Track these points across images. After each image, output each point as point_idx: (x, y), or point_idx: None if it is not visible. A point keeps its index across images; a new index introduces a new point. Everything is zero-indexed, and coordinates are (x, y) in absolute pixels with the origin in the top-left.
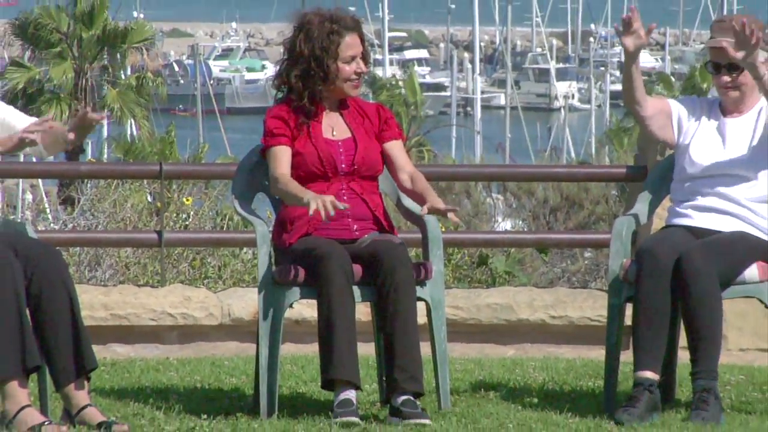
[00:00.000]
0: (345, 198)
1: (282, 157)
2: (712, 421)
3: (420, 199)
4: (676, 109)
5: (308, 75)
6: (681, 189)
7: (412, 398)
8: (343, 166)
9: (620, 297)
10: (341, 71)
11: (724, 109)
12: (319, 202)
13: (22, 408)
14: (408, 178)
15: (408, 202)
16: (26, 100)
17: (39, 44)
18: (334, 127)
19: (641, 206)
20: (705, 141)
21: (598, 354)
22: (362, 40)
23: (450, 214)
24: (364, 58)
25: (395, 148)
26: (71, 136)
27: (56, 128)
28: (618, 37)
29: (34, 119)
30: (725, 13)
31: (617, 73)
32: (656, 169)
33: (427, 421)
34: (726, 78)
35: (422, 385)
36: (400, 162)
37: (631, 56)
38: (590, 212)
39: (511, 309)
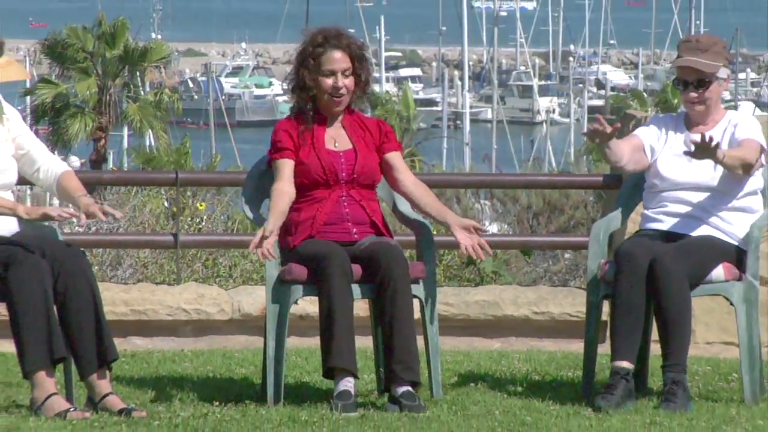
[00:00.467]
0: (345, 204)
1: (283, 170)
2: (680, 409)
3: (435, 213)
4: (647, 138)
5: (294, 84)
6: (652, 198)
7: (411, 390)
8: (344, 174)
9: (597, 295)
10: (319, 83)
11: (689, 122)
12: (254, 248)
13: (50, 396)
14: (411, 185)
15: (404, 208)
16: (54, 113)
17: (66, 62)
18: (336, 139)
19: (616, 213)
20: (672, 156)
21: (577, 347)
22: (353, 60)
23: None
24: (356, 76)
25: (395, 158)
26: (83, 220)
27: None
28: (587, 137)
29: (55, 158)
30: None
31: (594, 89)
32: (628, 181)
33: (424, 413)
34: (693, 94)
35: (419, 374)
36: (401, 171)
37: (603, 144)
38: (570, 217)
39: (497, 305)
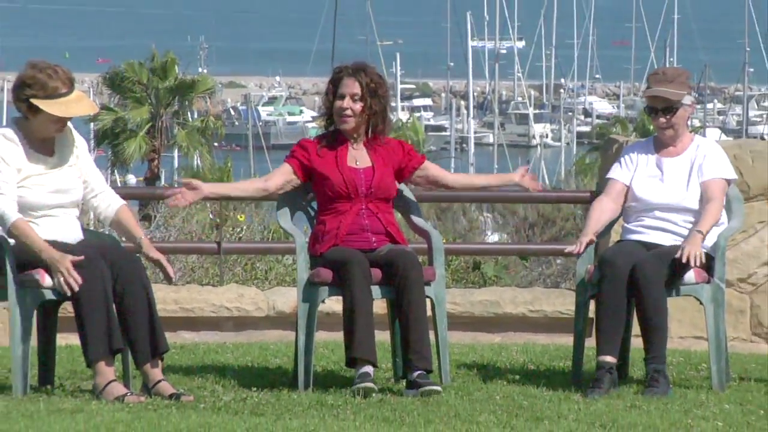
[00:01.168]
0: (365, 216)
1: (278, 171)
2: (662, 394)
3: (497, 183)
4: (623, 177)
5: (322, 109)
6: (631, 214)
7: (424, 372)
8: (362, 189)
9: (585, 295)
10: (333, 106)
11: (659, 144)
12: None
13: (110, 382)
14: (456, 179)
15: (418, 220)
16: (113, 137)
17: (123, 92)
18: (357, 158)
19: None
20: (646, 179)
21: (567, 340)
22: (362, 90)
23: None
24: (366, 105)
25: (429, 167)
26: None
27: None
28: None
29: (111, 190)
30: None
31: (582, 117)
32: None
33: (437, 388)
34: (662, 119)
35: (431, 363)
36: (440, 174)
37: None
38: (561, 227)
39: (498, 304)
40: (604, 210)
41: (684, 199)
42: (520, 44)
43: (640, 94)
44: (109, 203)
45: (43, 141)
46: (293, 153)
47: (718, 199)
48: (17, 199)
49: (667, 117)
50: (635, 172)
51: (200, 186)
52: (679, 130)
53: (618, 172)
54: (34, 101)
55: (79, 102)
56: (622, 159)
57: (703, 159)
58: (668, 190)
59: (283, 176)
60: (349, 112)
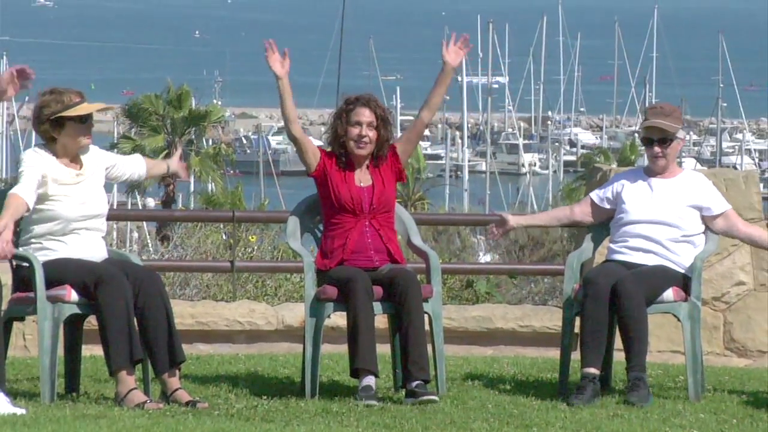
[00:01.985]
0: (368, 234)
1: (311, 142)
2: (643, 401)
3: (441, 86)
4: (602, 199)
5: (330, 134)
6: (617, 232)
7: (422, 382)
8: (366, 206)
9: (571, 312)
10: (348, 132)
11: (651, 172)
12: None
13: (130, 390)
14: (425, 113)
15: (416, 240)
16: None
17: (141, 122)
18: (361, 179)
19: (587, 246)
20: (636, 195)
21: (554, 354)
22: (377, 118)
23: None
24: (378, 132)
25: (403, 140)
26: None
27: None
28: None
29: (130, 157)
30: (647, 105)
31: (568, 147)
32: (596, 224)
33: (435, 397)
34: (657, 149)
35: (429, 373)
36: (413, 129)
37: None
38: (549, 249)
39: (490, 320)
40: (551, 214)
41: (671, 215)
42: (503, 79)
43: (621, 126)
44: (138, 161)
45: (71, 160)
46: (324, 151)
47: (744, 222)
48: (49, 212)
49: (662, 147)
50: (623, 190)
51: (285, 66)
52: (670, 161)
53: (596, 192)
54: (56, 116)
55: (94, 103)
56: (609, 184)
57: (703, 191)
58: (656, 204)
59: (309, 146)
60: (366, 139)
